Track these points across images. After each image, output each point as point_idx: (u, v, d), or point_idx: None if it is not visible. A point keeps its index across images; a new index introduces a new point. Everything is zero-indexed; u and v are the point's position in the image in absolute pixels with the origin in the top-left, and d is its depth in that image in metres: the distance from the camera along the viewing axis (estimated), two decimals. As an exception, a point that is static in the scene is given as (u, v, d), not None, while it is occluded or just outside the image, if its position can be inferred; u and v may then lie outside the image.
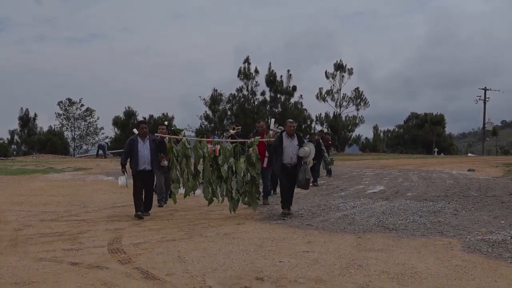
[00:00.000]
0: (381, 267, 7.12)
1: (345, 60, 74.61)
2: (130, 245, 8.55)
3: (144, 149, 11.43)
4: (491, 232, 9.48)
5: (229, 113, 57.95)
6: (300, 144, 11.78)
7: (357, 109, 60.41)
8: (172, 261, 7.45)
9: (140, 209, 11.32)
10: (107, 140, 53.55)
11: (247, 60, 57.05)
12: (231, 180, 11.86)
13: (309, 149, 11.70)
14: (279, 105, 56.54)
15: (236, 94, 57.68)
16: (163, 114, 61.47)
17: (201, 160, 11.75)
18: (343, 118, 60.19)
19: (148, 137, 11.57)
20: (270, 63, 62.04)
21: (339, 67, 60.22)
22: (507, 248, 8.21)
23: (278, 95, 57.24)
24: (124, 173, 11.60)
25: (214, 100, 58.47)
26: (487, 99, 70.50)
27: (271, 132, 13.44)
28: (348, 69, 60.43)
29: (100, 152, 43.91)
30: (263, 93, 57.41)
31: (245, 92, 57.57)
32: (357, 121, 60.36)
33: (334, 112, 60.63)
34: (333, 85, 60.69)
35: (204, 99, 58.88)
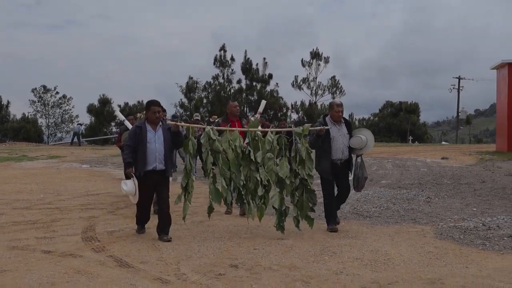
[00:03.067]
0: (355, 254, 7.18)
1: (321, 48, 75.00)
2: (104, 233, 8.51)
3: (156, 141, 8.08)
4: (463, 219, 9.61)
5: (205, 101, 57.71)
6: (350, 132, 9.00)
7: (333, 97, 60.48)
8: (146, 249, 7.43)
9: (143, 224, 8.54)
10: (82, 127, 52.84)
11: (223, 48, 56.83)
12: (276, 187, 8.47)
13: (365, 137, 8.94)
14: (255, 93, 56.43)
15: (212, 82, 57.47)
16: (139, 102, 60.97)
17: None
18: (319, 106, 60.28)
19: (161, 124, 8.22)
20: (246, 51, 62.13)
21: (315, 55, 60.25)
22: (478, 235, 8.33)
23: (254, 83, 57.11)
24: (132, 176, 8.06)
25: (190, 88, 58.16)
26: (461, 88, 71.24)
27: (257, 116, 10.64)
28: (324, 57, 60.50)
29: (75, 139, 43.52)
30: (239, 81, 57.27)
31: (221, 80, 57.37)
32: (332, 109, 60.32)
33: (309, 100, 60.74)
34: (309, 73, 60.76)
35: (181, 86, 58.56)
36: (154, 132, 8.12)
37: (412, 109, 70.36)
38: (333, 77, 60.92)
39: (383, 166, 21.41)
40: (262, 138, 8.39)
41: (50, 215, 10.12)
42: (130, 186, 8.03)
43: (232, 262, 6.74)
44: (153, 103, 8.22)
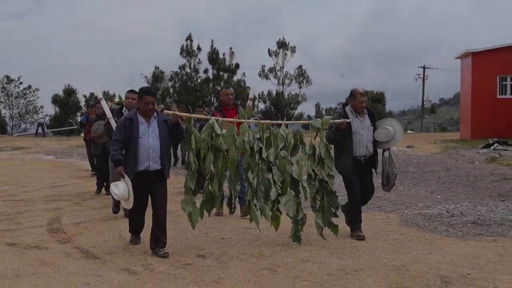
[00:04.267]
0: (322, 242, 7.24)
1: (289, 37, 74.73)
2: (70, 224, 8.44)
3: (150, 135, 6.71)
4: (427, 207, 9.75)
5: (171, 90, 57.33)
6: (374, 124, 7.89)
7: (300, 87, 60.56)
8: (113, 240, 7.40)
9: (137, 234, 7.20)
10: (46, 118, 52.22)
11: (189, 38, 56.38)
12: (294, 189, 7.26)
13: (392, 128, 7.77)
14: (222, 83, 56.17)
15: (179, 72, 57.08)
16: (104, 92, 60.27)
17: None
18: (286, 96, 60.32)
19: (156, 116, 6.86)
20: (212, 40, 61.50)
21: (282, 44, 60.08)
22: (442, 222, 8.47)
23: (221, 73, 56.88)
24: (123, 176, 6.60)
25: (156, 77, 57.72)
26: (426, 77, 72.03)
27: (249, 103, 9.28)
28: (291, 46, 60.31)
29: (40, 130, 42.99)
30: (206, 71, 56.91)
31: (187, 70, 56.99)
32: (299, 99, 60.48)
33: (276, 90, 60.69)
34: (276, 62, 60.59)
35: (146, 77, 58.07)
36: (147, 125, 6.75)
37: (378, 98, 70.84)
38: (300, 66, 60.86)
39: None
40: (275, 133, 7.16)
41: (15, 207, 9.99)
42: (122, 189, 6.58)
43: (199, 252, 6.75)
44: (146, 92, 6.82)
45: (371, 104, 68.61)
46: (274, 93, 60.36)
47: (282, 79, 60.44)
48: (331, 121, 7.50)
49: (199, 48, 56.70)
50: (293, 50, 60.40)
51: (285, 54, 60.03)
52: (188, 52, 56.52)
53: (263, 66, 60.49)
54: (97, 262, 6.29)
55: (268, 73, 60.11)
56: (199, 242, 7.24)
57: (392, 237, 7.50)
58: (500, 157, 18.68)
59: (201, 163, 6.75)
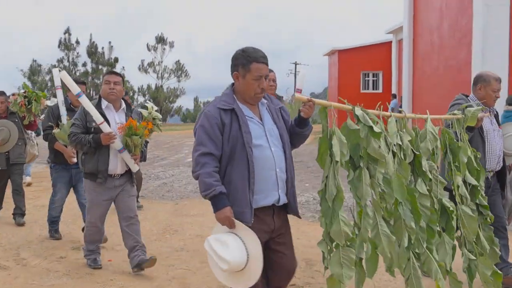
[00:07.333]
0: (196, 231, 7.50)
1: (169, 32, 74.41)
2: None
3: (269, 138, 3.72)
4: (296, 195, 10.24)
5: (49, 84, 56.06)
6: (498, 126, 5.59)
7: (178, 81, 61.29)
8: (-17, 236, 7.24)
9: None
10: None
11: (67, 31, 55.67)
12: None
13: None
14: (101, 77, 55.49)
15: (57, 65, 55.82)
16: (-21, 86, 57.62)
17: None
18: (165, 90, 60.67)
19: (267, 101, 3.86)
20: (91, 34, 60.77)
21: (160, 40, 60.37)
22: (309, 208, 8.98)
23: (100, 67, 56.30)
24: (232, 224, 3.64)
25: (33, 71, 56.25)
26: (297, 72, 74.18)
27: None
28: (169, 42, 60.90)
29: None
30: (84, 64, 56.27)
31: (66, 63, 55.99)
32: (178, 93, 61.24)
33: (156, 83, 60.89)
34: (155, 57, 60.80)
35: (22, 70, 56.41)
36: (259, 120, 3.76)
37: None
38: (178, 61, 61.64)
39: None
40: (420, 132, 4.30)
41: None
42: (236, 252, 3.53)
43: (74, 245, 6.77)
44: (257, 58, 3.66)
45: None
46: (153, 87, 60.59)
47: (161, 73, 60.83)
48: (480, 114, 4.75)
49: (77, 42, 56.20)
50: (172, 45, 61.22)
51: (164, 49, 60.53)
52: (66, 45, 55.85)
53: (142, 61, 60.67)
54: (-35, 260, 6.14)
55: (148, 67, 60.33)
56: (74, 235, 7.25)
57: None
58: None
59: (353, 186, 3.77)
